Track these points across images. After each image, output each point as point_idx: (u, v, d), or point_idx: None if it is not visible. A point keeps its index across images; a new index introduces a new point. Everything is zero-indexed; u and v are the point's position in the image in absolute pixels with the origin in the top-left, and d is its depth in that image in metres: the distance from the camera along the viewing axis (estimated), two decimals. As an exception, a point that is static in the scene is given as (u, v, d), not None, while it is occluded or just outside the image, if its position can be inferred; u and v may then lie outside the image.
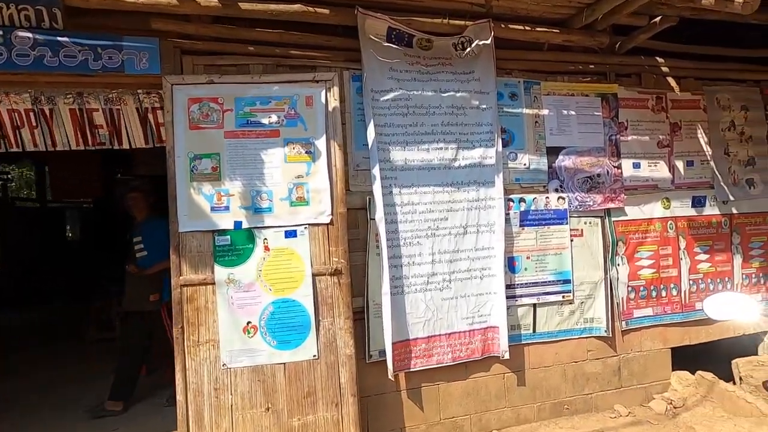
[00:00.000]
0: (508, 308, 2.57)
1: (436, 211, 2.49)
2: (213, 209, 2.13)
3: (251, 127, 2.17)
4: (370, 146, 2.34)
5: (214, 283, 2.11)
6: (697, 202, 3.06)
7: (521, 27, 2.63)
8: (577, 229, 2.78)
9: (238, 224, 2.14)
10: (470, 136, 2.55)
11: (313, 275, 2.18)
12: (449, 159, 2.52)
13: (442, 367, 2.49)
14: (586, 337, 2.79)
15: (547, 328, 2.71)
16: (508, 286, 2.60)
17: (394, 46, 2.44)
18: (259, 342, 2.13)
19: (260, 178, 2.16)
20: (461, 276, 2.53)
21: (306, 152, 2.20)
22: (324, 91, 2.24)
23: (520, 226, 2.66)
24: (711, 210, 3.09)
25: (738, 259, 3.15)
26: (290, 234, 2.16)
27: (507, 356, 2.54)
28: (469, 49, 2.54)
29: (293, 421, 2.14)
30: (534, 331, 2.69)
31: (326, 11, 2.28)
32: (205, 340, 2.11)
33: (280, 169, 2.18)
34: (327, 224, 2.23)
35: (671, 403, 2.82)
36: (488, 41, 2.53)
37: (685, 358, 3.04)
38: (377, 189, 2.31)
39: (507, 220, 2.61)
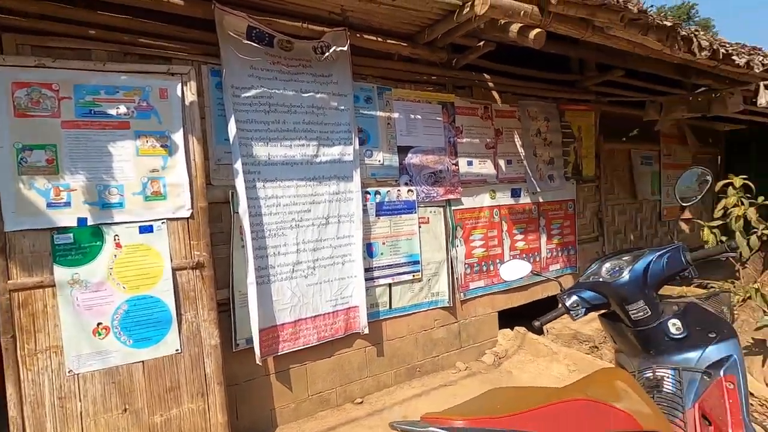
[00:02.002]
0: (367, 289, 2.89)
1: (299, 203, 2.66)
2: (50, 205, 1.95)
3: (95, 117, 2.03)
4: (231, 141, 2.39)
5: (54, 285, 1.95)
6: (515, 193, 3.81)
7: (374, 38, 2.93)
8: (424, 217, 3.24)
9: (82, 221, 2.00)
10: (330, 134, 2.78)
11: (174, 270, 2.16)
12: (311, 155, 2.71)
13: (308, 348, 2.70)
14: (433, 309, 3.29)
15: (401, 304, 3.12)
16: (367, 270, 2.92)
17: (254, 44, 2.51)
18: (112, 342, 2.04)
19: (108, 171, 2.04)
20: (324, 263, 2.75)
21: (161, 146, 2.16)
22: (180, 84, 2.22)
23: (376, 215, 3.00)
24: (525, 199, 3.88)
25: (544, 238, 4.02)
26: (146, 229, 2.11)
27: (367, 331, 2.86)
28: (327, 54, 2.75)
29: (155, 417, 2.11)
30: (390, 307, 3.07)
31: (180, 2, 2.24)
32: (45, 348, 1.94)
33: (131, 163, 2.09)
34: (187, 218, 2.22)
35: (497, 355, 3.52)
36: (345, 48, 2.77)
37: (515, 318, 3.79)
38: (240, 183, 2.38)
39: (365, 211, 2.92)
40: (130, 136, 2.09)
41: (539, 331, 3.81)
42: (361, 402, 2.89)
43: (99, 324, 2.01)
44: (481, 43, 3.17)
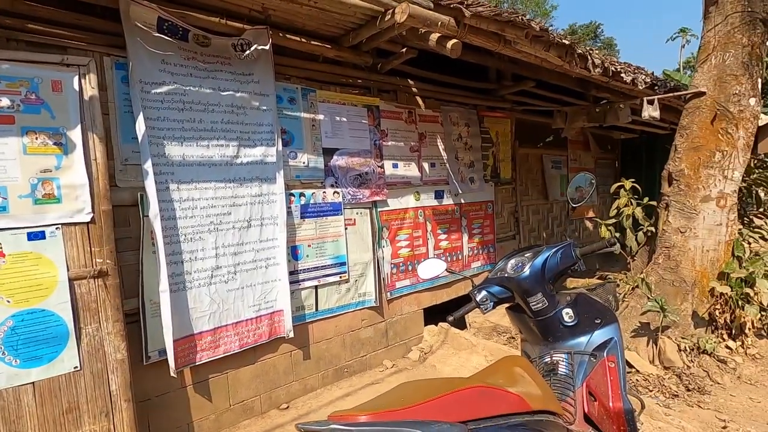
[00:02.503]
0: (292, 292, 2.85)
1: (218, 206, 2.56)
2: None
3: (-30, 109, 1.80)
4: (140, 140, 2.24)
5: None
6: (438, 195, 3.98)
7: (298, 38, 2.90)
8: (351, 219, 3.27)
9: (-46, 228, 1.76)
10: (251, 135, 2.70)
11: (71, 280, 1.97)
12: (231, 156, 2.62)
13: (230, 355, 2.60)
14: (360, 309, 3.33)
15: (328, 306, 3.12)
16: (292, 273, 2.88)
17: (166, 38, 2.37)
18: (-6, 364, 1.81)
19: (-13, 171, 1.81)
20: (247, 267, 2.67)
21: (54, 143, 1.95)
22: (77, 76, 2.02)
23: (301, 218, 2.97)
24: (447, 201, 4.06)
25: (465, 237, 4.25)
26: (36, 236, 1.90)
27: (292, 335, 2.82)
28: (248, 52, 2.67)
29: (49, 444, 1.91)
30: (317, 309, 3.06)
31: (79, -13, 2.06)
32: None
33: (16, 162, 1.87)
34: (87, 223, 2.03)
35: (423, 351, 3.65)
36: (267, 47, 2.71)
37: (439, 314, 3.94)
38: (150, 185, 2.23)
39: (289, 213, 2.88)
40: (15, 132, 1.87)
41: (462, 326, 4.02)
42: (287, 407, 2.85)
43: (-23, 344, 1.77)
44: (404, 50, 3.27)
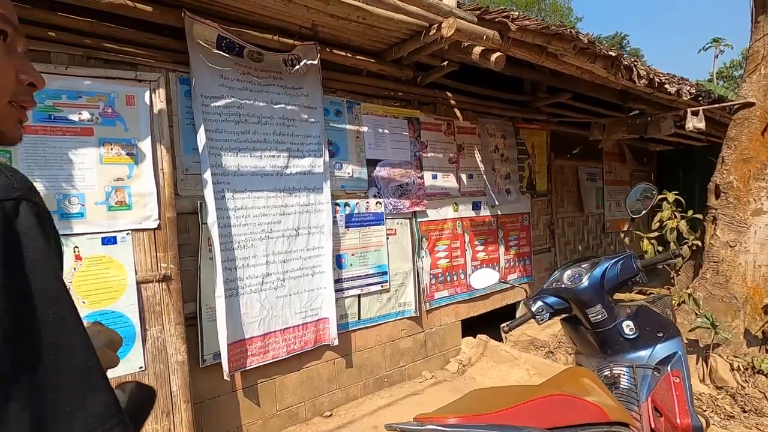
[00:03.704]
0: (336, 300, 2.89)
1: (269, 214, 2.64)
2: (1, 215, 1.81)
3: (56, 122, 1.93)
4: (200, 151, 2.35)
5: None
6: (476, 206, 3.98)
7: (344, 53, 3.00)
8: (392, 229, 3.31)
9: (37, 232, 1.88)
10: (300, 146, 2.79)
11: (138, 283, 2.07)
12: (281, 166, 2.71)
13: (277, 361, 2.65)
14: (400, 319, 3.34)
15: (369, 315, 3.15)
16: (336, 281, 2.93)
17: (224, 54, 2.50)
18: (68, 362, 1.90)
19: (68, 180, 1.94)
20: (294, 274, 2.74)
21: (127, 154, 2.08)
22: (148, 91, 2.16)
23: (346, 227, 3.03)
24: (485, 212, 4.06)
25: (502, 249, 4.22)
26: (109, 241, 2.01)
27: (336, 343, 2.86)
28: (298, 67, 2.78)
29: (114, 441, 1.99)
30: (359, 318, 3.09)
31: (148, 8, 2.19)
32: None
33: (94, 171, 2.00)
34: (154, 229, 2.15)
35: (461, 363, 3.62)
36: (315, 62, 2.81)
37: (476, 326, 3.92)
38: (209, 193, 2.34)
39: (334, 222, 2.94)
40: (94, 143, 2.00)
41: (499, 339, 3.97)
42: (331, 415, 2.87)
43: (54, 342, 1.88)
44: (445, 63, 3.33)
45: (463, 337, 3.83)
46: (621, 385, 1.59)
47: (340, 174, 3.02)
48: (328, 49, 2.89)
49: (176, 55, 2.38)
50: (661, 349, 1.62)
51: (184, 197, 2.35)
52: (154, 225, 2.14)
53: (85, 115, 1.98)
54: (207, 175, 2.34)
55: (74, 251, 1.94)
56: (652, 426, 1.52)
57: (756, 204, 3.39)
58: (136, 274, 2.07)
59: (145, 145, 2.13)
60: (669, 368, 1.60)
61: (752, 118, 3.42)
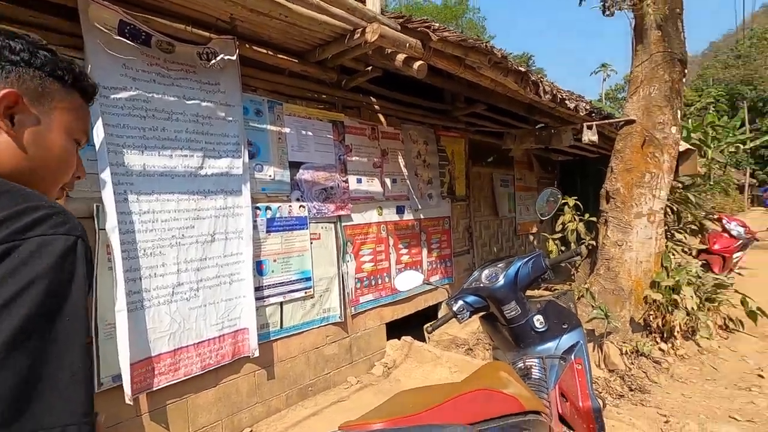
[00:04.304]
0: (257, 309, 2.74)
1: (181, 219, 2.43)
2: None
3: None
4: (97, 148, 2.09)
5: None
6: (399, 210, 4.06)
7: (265, 51, 2.88)
8: (316, 233, 3.24)
9: None
10: (217, 146, 2.62)
11: (15, 299, 1.76)
12: (195, 167, 2.51)
13: (190, 378, 2.44)
14: (325, 325, 3.28)
15: (293, 322, 3.04)
16: (257, 289, 2.78)
17: (128, 41, 2.25)
18: None
19: None
20: (210, 283, 2.55)
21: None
22: (30, 77, 1.86)
23: (267, 232, 2.90)
24: (408, 216, 4.16)
25: (425, 251, 4.35)
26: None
27: (257, 354, 2.71)
28: (214, 61, 2.60)
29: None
30: (281, 326, 2.97)
31: (34, -17, 1.91)
32: None
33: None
34: (36, 236, 1.85)
35: (386, 366, 3.64)
36: (233, 57, 2.66)
37: (401, 328, 3.98)
38: (108, 196, 2.08)
39: (255, 227, 2.80)
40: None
41: (423, 339, 4.08)
42: (251, 431, 2.71)
43: None
44: (369, 68, 3.36)
45: (388, 339, 3.86)
46: (533, 376, 1.70)
47: (260, 176, 2.89)
48: (248, 45, 2.76)
49: (67, 38, 2.10)
50: (566, 340, 1.76)
51: (75, 199, 2.06)
52: (37, 231, 1.84)
53: None
54: (106, 175, 2.08)
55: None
56: (560, 411, 1.64)
57: (637, 208, 3.89)
58: (12, 288, 1.76)
59: (26, 139, 1.82)
60: (573, 356, 1.74)
61: (634, 133, 3.93)
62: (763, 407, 2.90)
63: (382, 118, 3.95)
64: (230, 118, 2.69)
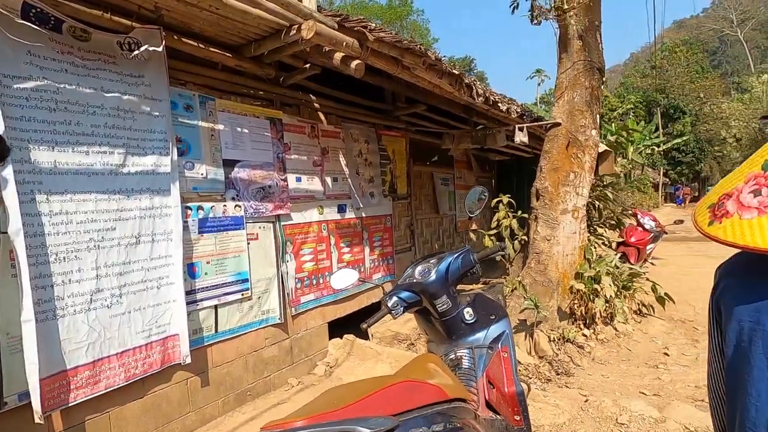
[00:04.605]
0: (189, 313, 2.62)
1: (100, 220, 2.26)
2: None
3: None
4: (-3, 142, 1.88)
5: None
6: (341, 209, 4.06)
7: (195, 43, 2.75)
8: (253, 233, 3.15)
9: None
10: (141, 142, 2.46)
11: None
12: (116, 164, 2.34)
13: (113, 390, 2.27)
14: (264, 327, 3.20)
15: (228, 326, 2.93)
16: (189, 292, 2.66)
17: (34, 26, 2.05)
18: None
19: None
20: (135, 288, 2.39)
21: None
22: None
23: (199, 233, 2.77)
24: (350, 214, 4.16)
25: (367, 250, 4.38)
26: None
27: (189, 360, 2.58)
28: (137, 52, 2.44)
29: None
30: (216, 330, 2.86)
31: None
32: None
33: None
34: None
35: (329, 365, 3.63)
36: (159, 49, 2.51)
37: (343, 327, 3.97)
38: (11, 195, 1.88)
39: (185, 228, 2.66)
40: None
41: (366, 337, 4.11)
42: (183, 442, 2.58)
43: None
44: (308, 66, 3.32)
45: (330, 338, 3.85)
46: (463, 366, 1.78)
47: (191, 174, 2.76)
48: (176, 37, 2.62)
49: (-42, 19, 1.87)
50: (494, 330, 1.85)
51: (-29, 200, 1.85)
52: None
53: None
54: (8, 173, 1.89)
55: None
56: (487, 397, 1.74)
57: (563, 205, 4.18)
58: None
59: None
60: (500, 345, 1.85)
61: (560, 135, 4.22)
62: (667, 381, 3.25)
63: (322, 117, 3.92)
64: (156, 113, 2.54)
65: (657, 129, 18.66)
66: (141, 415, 2.43)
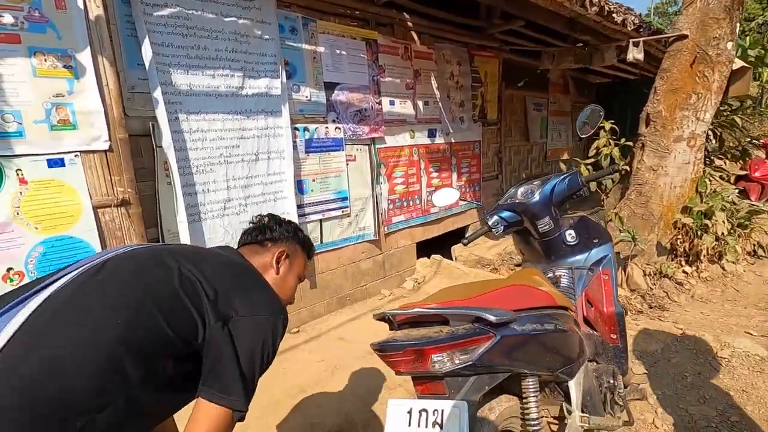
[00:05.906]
0: (299, 225, 2.93)
1: (227, 138, 2.55)
2: None
3: (-29, 26, 1.67)
4: (147, 67, 2.16)
5: (-59, 229, 1.67)
6: (431, 134, 4.06)
7: (296, -37, 2.76)
8: (351, 155, 3.32)
9: (-31, 153, 1.70)
10: (255, 65, 2.64)
11: (95, 207, 1.98)
12: (236, 87, 2.57)
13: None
14: (360, 242, 3.49)
15: (331, 239, 3.25)
16: (298, 206, 2.96)
17: (162, -47, 2.21)
18: (28, 289, 1.84)
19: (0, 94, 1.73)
20: (256, 200, 2.73)
21: (64, 66, 1.86)
22: (79, -7, 1.90)
23: (306, 152, 3.00)
24: (439, 139, 4.16)
25: (455, 175, 4.41)
26: (56, 163, 1.87)
27: (301, 265, 2.95)
28: (248, -25, 2.53)
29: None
30: (321, 242, 3.19)
31: None
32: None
33: (27, 85, 1.79)
34: (105, 151, 2.01)
35: (417, 281, 3.91)
36: (267, -30, 2.58)
37: (430, 248, 4.18)
38: (162, 114, 2.19)
39: (294, 147, 2.90)
40: (22, 52, 1.77)
41: (451, 259, 4.29)
42: (298, 331, 3.05)
43: (9, 269, 1.80)
44: (404, -20, 3.19)
45: (418, 258, 4.09)
46: (561, 284, 1.84)
47: (297, 97, 2.93)
48: (279, -44, 2.65)
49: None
50: (596, 253, 1.86)
51: (133, 118, 2.19)
52: (105, 146, 2.00)
53: (8, 18, 1.73)
54: (157, 94, 2.18)
55: (17, 174, 1.79)
56: (585, 314, 1.80)
57: (678, 131, 3.77)
58: (91, 198, 1.96)
59: (85, 57, 1.91)
60: (600, 268, 1.86)
61: (684, 50, 3.68)
62: (780, 324, 3.03)
63: (415, 36, 3.79)
64: (267, 37, 2.68)
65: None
66: (265, 306, 2.89)
